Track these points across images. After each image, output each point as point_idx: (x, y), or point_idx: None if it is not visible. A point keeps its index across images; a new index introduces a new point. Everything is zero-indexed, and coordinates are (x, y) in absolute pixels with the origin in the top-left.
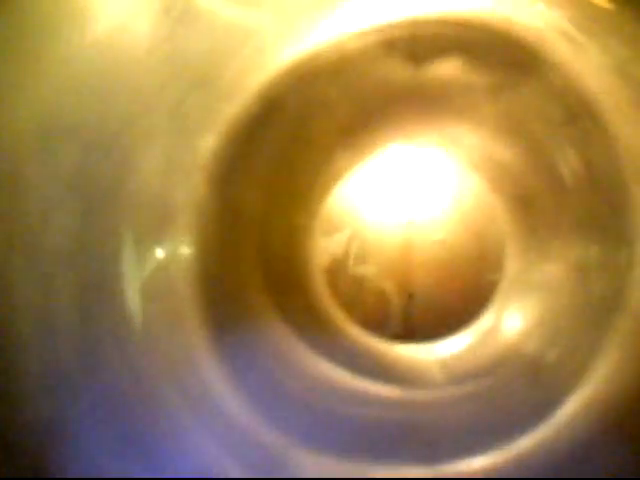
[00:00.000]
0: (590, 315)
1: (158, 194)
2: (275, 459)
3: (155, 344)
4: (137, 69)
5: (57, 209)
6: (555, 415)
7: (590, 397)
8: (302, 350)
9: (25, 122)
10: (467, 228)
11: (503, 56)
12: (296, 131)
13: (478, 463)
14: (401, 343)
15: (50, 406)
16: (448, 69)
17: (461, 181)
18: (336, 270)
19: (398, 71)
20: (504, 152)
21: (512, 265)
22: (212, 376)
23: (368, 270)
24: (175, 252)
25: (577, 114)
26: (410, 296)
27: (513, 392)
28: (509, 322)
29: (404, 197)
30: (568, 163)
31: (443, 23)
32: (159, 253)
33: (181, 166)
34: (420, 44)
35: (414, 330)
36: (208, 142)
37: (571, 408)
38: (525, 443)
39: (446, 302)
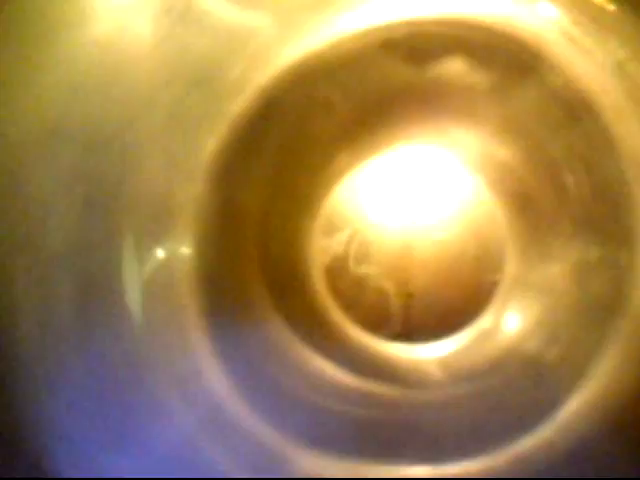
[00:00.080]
0: (590, 315)
1: (158, 194)
2: (274, 459)
3: (155, 343)
4: (137, 69)
5: (57, 209)
6: (556, 415)
7: (590, 397)
8: (302, 350)
9: (25, 122)
10: (467, 228)
11: (503, 56)
12: (296, 131)
13: (478, 463)
14: (401, 343)
15: (50, 406)
16: (448, 69)
17: (461, 181)
18: (336, 270)
19: (398, 71)
20: (504, 152)
21: (512, 265)
22: (212, 375)
23: (368, 270)
24: (175, 252)
25: (577, 114)
26: (410, 296)
27: (513, 392)
28: (509, 322)
29: (404, 197)
30: (568, 163)
31: (443, 23)
32: (159, 253)
33: (181, 166)
34: (420, 44)
35: (414, 330)
36: (208, 142)
37: (572, 408)
38: (525, 443)
39: (446, 302)
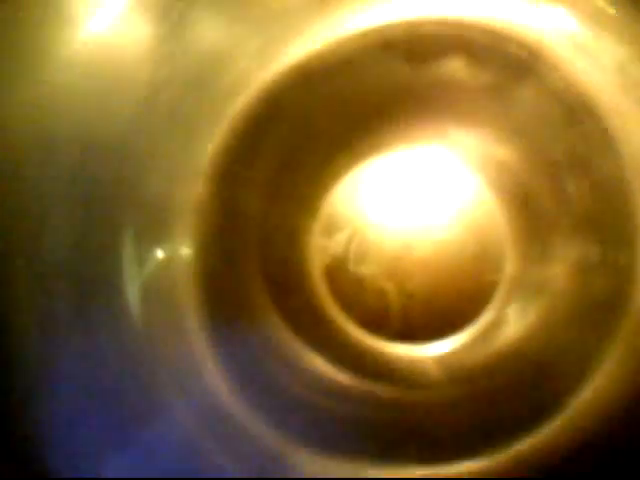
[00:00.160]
0: (590, 315)
1: (158, 194)
2: (274, 459)
3: (155, 344)
4: (137, 69)
5: (57, 209)
6: (556, 415)
7: (591, 397)
8: (301, 349)
9: (24, 122)
10: (467, 228)
11: (503, 56)
12: (296, 131)
13: (478, 464)
14: (401, 343)
15: (50, 406)
16: (448, 69)
17: (461, 181)
18: (336, 270)
19: (398, 71)
20: (504, 152)
21: (512, 265)
22: (211, 376)
23: (368, 270)
24: (175, 252)
25: (577, 114)
26: (410, 296)
27: (513, 392)
28: (509, 322)
29: (404, 197)
30: (568, 163)
31: (443, 23)
32: (159, 253)
33: (181, 166)
34: (420, 44)
35: (414, 330)
36: (208, 142)
37: (572, 408)
38: (526, 444)
39: (446, 302)
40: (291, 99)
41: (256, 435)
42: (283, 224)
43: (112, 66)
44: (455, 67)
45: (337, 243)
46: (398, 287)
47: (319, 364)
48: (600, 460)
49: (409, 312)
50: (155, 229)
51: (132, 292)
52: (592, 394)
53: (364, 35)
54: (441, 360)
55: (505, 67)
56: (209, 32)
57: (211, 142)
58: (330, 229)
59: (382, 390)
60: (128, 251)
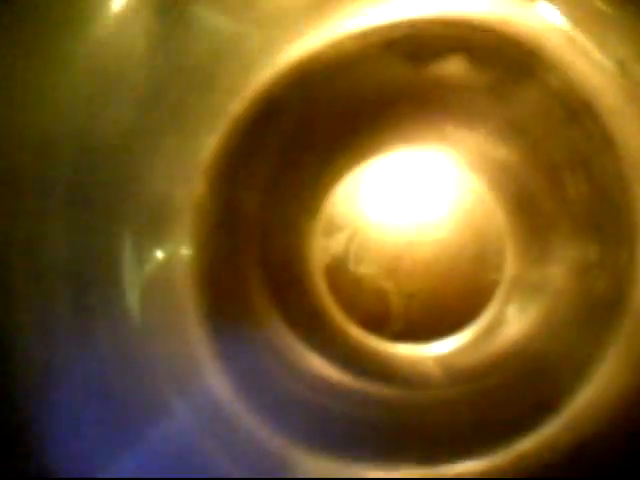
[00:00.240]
0: (590, 315)
1: (158, 194)
2: (274, 459)
3: (155, 344)
4: (137, 69)
5: (57, 209)
6: (556, 415)
7: (591, 397)
8: (301, 349)
9: (24, 122)
10: (467, 228)
11: (503, 56)
12: (296, 131)
13: (479, 464)
14: (401, 343)
15: (50, 406)
16: (448, 69)
17: (461, 181)
18: (336, 270)
19: (398, 71)
20: (504, 152)
21: (512, 265)
22: (211, 376)
23: (368, 270)
24: (175, 252)
25: (577, 114)
26: (410, 296)
27: (514, 392)
28: (509, 322)
29: (404, 197)
30: (568, 163)
31: (443, 23)
32: (159, 253)
33: (181, 166)
34: (420, 44)
35: (414, 330)
36: (208, 142)
37: (572, 408)
38: (526, 444)
39: (446, 302)
40: (291, 99)
41: (256, 435)
42: (283, 224)
43: (112, 66)
44: (455, 67)
45: (337, 243)
46: (398, 287)
47: (319, 364)
48: (600, 460)
49: (409, 312)
50: (155, 229)
51: (132, 292)
52: (592, 394)
53: (364, 35)
54: (441, 360)
55: (505, 67)
56: (209, 32)
57: (211, 142)
58: (330, 229)
59: (382, 390)
60: (128, 251)
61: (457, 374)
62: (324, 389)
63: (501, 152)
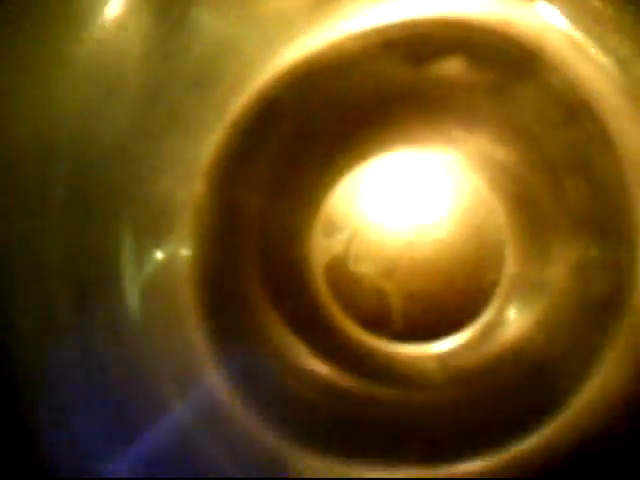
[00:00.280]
0: (590, 315)
1: (158, 195)
2: (274, 459)
3: (155, 344)
4: (137, 69)
5: (57, 209)
6: (556, 416)
7: (591, 397)
8: (301, 349)
9: (23, 122)
10: (467, 228)
11: (503, 56)
12: (296, 131)
13: (478, 464)
14: (401, 343)
15: (50, 405)
16: (448, 69)
17: (461, 181)
18: (336, 270)
19: (398, 71)
20: (504, 152)
21: (512, 265)
22: (211, 375)
23: (368, 270)
24: (175, 252)
25: (577, 114)
26: (410, 296)
27: (514, 392)
28: (509, 322)
29: (404, 197)
30: (568, 163)
31: (443, 23)
32: (159, 253)
33: (181, 166)
34: (420, 44)
35: (414, 330)
36: (208, 143)
37: (572, 408)
38: (526, 444)
39: (446, 302)
40: (291, 99)
41: (256, 435)
42: (283, 224)
43: (111, 67)
44: (455, 67)
45: (337, 243)
46: (398, 287)
47: (319, 364)
48: (600, 460)
49: (409, 312)
50: (155, 229)
51: (132, 292)
52: (592, 394)
53: (364, 35)
54: (441, 360)
55: (505, 67)
56: (209, 32)
57: (211, 142)
58: (330, 229)
59: (382, 390)
60: (128, 251)
61: (457, 374)
62: (324, 389)
63: (501, 152)
